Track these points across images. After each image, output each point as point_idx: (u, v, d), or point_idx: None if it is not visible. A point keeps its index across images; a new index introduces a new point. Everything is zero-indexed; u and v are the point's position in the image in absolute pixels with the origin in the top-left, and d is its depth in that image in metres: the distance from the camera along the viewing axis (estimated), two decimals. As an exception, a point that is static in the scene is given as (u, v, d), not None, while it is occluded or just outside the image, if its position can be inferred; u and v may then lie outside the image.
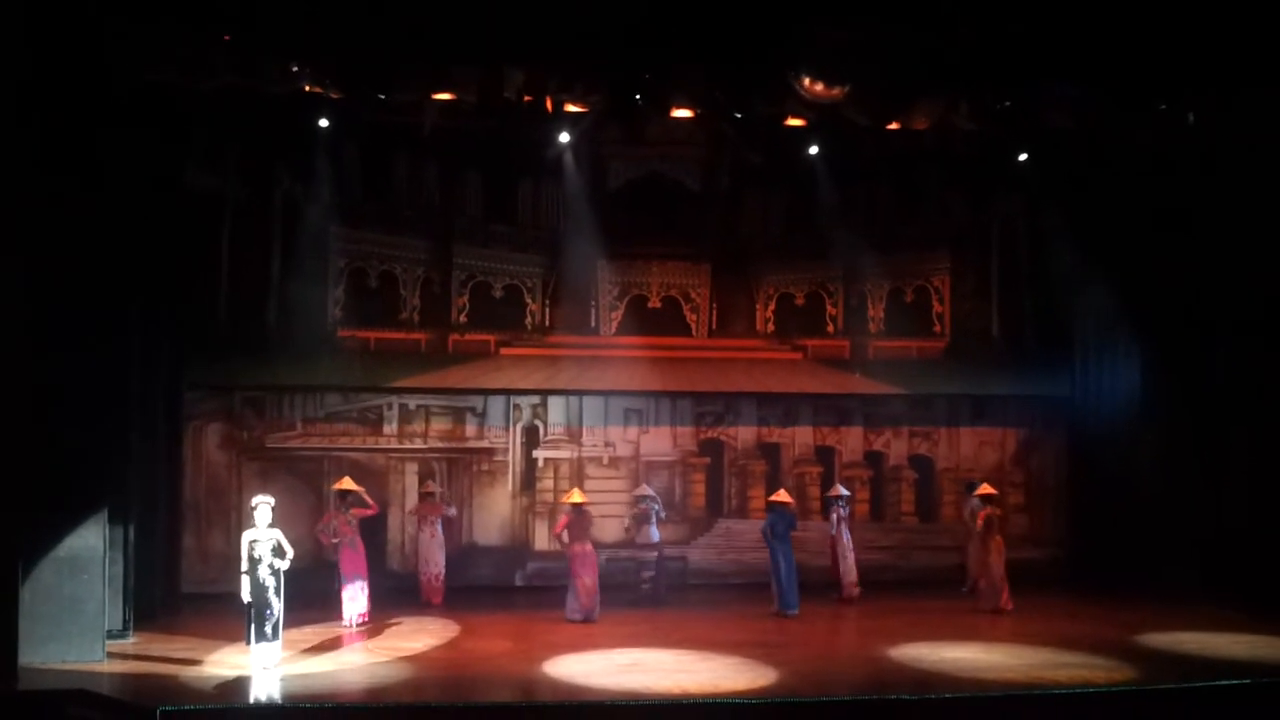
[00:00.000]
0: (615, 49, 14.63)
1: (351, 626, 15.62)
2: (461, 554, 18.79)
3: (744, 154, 18.48)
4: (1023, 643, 14.56)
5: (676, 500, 19.74)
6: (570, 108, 15.87)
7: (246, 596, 12.96)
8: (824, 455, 20.30)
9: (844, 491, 18.32)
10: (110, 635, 13.71)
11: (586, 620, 15.93)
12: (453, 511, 18.22)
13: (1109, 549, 18.95)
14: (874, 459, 20.44)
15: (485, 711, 11.99)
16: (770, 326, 20.11)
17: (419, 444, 19.27)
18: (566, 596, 16.21)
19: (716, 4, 14.28)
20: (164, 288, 16.14)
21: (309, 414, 18.96)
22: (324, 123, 16.96)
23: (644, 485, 18.63)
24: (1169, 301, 18.52)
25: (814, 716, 11.71)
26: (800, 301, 20.17)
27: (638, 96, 15.12)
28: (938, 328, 20.39)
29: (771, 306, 20.11)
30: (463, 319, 19.29)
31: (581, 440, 19.69)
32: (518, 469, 19.51)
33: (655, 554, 18.02)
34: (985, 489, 17.53)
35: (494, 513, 19.42)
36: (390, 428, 19.21)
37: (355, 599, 15.80)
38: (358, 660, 13.79)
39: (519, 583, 19.19)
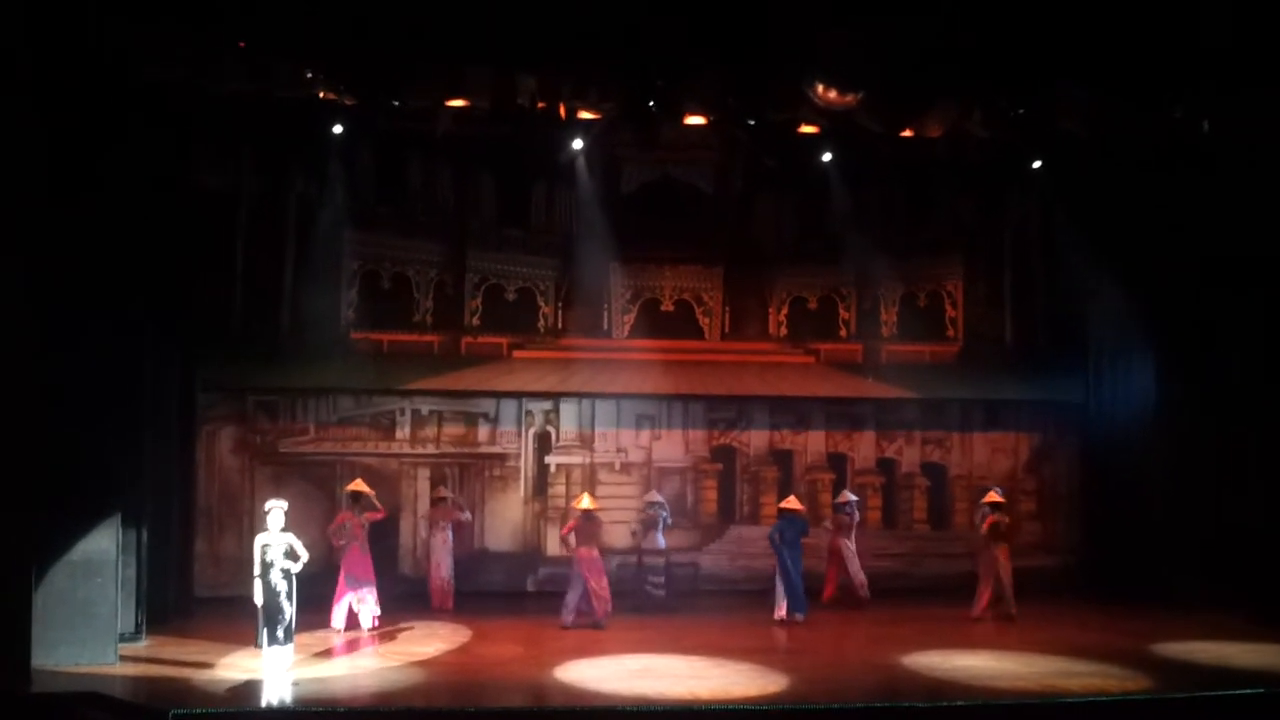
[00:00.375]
0: (628, 56, 14.65)
1: (364, 630, 15.64)
2: (473, 559, 18.81)
3: (757, 158, 18.51)
4: (1035, 651, 14.53)
5: (688, 506, 19.73)
6: (584, 114, 15.89)
7: (259, 600, 12.99)
8: (836, 462, 20.27)
9: (852, 497, 18.31)
10: (123, 638, 13.74)
11: (596, 625, 15.92)
12: (467, 516, 18.23)
13: (1121, 557, 18.87)
14: (886, 466, 20.40)
15: (496, 716, 12.00)
16: (783, 330, 20.10)
17: (431, 449, 19.28)
18: (565, 597, 16.19)
19: (730, 11, 14.29)
20: (177, 290, 16.17)
21: (322, 418, 18.98)
22: (338, 129, 17.06)
23: (653, 492, 18.63)
24: (1183, 308, 18.45)
25: (826, 724, 11.72)
26: (813, 305, 20.16)
27: (651, 103, 15.14)
28: (951, 332, 20.35)
29: (784, 310, 20.10)
30: (475, 322, 19.30)
31: (593, 446, 19.68)
32: (530, 474, 19.52)
33: (663, 560, 18.01)
34: (992, 496, 17.47)
35: (506, 518, 19.42)
36: (403, 433, 19.24)
37: (365, 602, 15.83)
38: (369, 664, 13.81)
39: (530, 588, 19.18)
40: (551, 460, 19.59)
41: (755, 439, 20.10)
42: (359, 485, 16.67)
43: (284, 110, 15.61)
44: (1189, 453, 18.57)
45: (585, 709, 11.96)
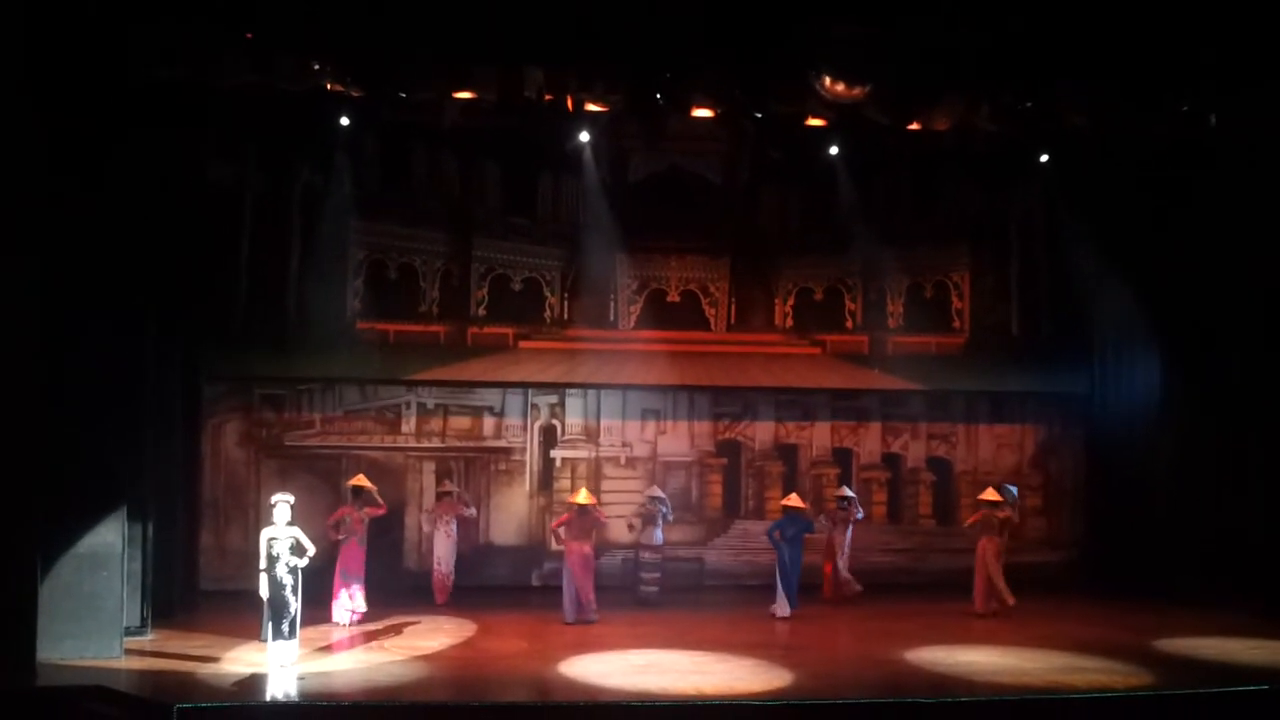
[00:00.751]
0: (635, 48, 14.62)
1: (345, 626, 15.63)
2: (478, 553, 18.83)
3: (764, 149, 18.51)
4: (1039, 646, 14.53)
5: (693, 501, 19.73)
6: (591, 106, 15.88)
7: (265, 594, 13.01)
8: (841, 457, 20.26)
9: (849, 493, 18.29)
10: (128, 632, 13.78)
11: (578, 621, 15.91)
12: (471, 511, 18.24)
13: (1126, 552, 18.86)
14: (892, 461, 20.40)
15: (500, 711, 12.03)
16: (789, 321, 20.07)
17: (437, 443, 19.29)
18: (563, 595, 16.22)
19: (737, 3, 14.27)
20: (181, 282, 16.15)
21: (327, 412, 18.99)
22: (345, 121, 17.06)
23: (654, 486, 18.60)
24: (1188, 302, 18.42)
25: (830, 719, 11.70)
26: (819, 296, 20.12)
27: (658, 96, 15.13)
28: (957, 324, 20.32)
29: (790, 301, 20.07)
30: (482, 312, 19.30)
31: (599, 440, 19.69)
32: (535, 469, 19.52)
33: (659, 556, 18.01)
34: (987, 494, 17.44)
35: (511, 512, 19.42)
36: (408, 426, 19.24)
37: (354, 597, 15.84)
38: (374, 659, 13.82)
39: (535, 582, 19.18)
40: (557, 454, 19.59)
41: (760, 433, 20.09)
42: (361, 480, 16.68)
43: (289, 102, 15.56)
44: (1193, 447, 18.55)
45: (589, 704, 11.97)
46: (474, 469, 19.34)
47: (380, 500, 16.63)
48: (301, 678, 12.62)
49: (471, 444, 19.39)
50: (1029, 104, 15.39)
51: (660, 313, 19.72)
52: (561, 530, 16.41)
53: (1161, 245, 18.47)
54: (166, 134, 15.08)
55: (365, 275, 18.90)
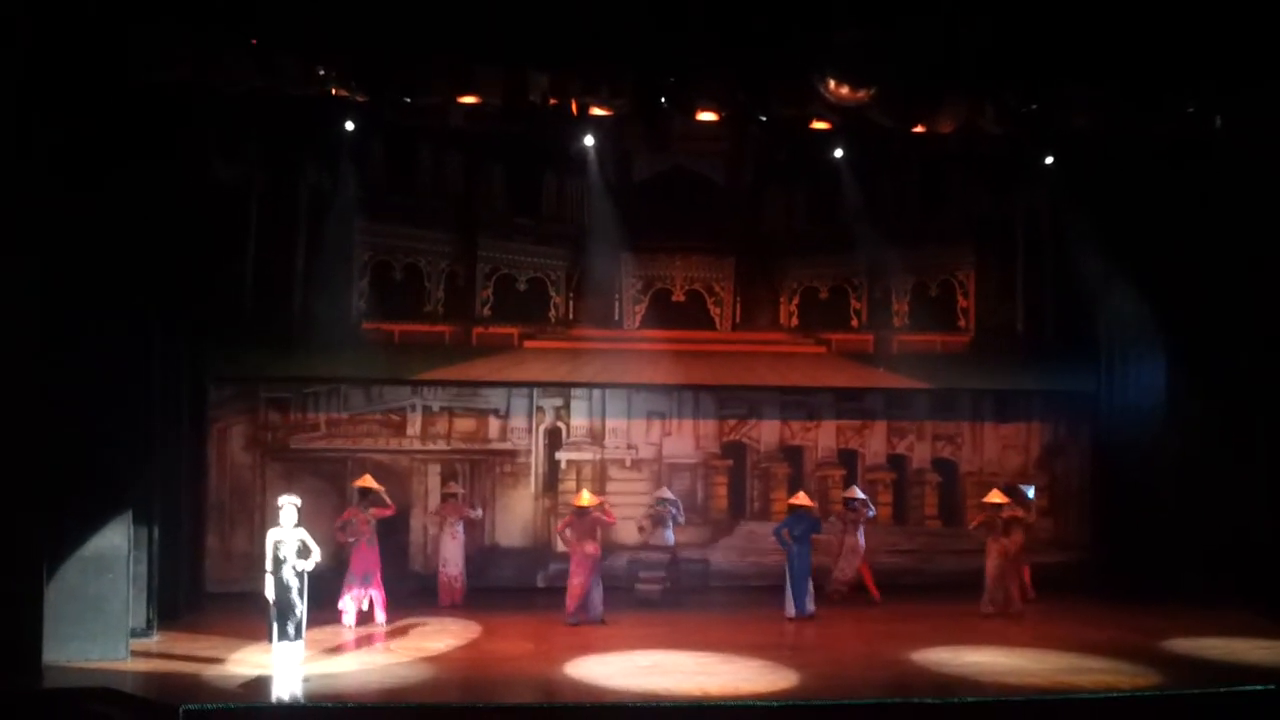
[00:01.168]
0: (639, 52, 14.65)
1: (348, 625, 15.68)
2: (483, 555, 18.83)
3: (769, 149, 18.53)
4: (1045, 647, 14.53)
5: (699, 503, 19.72)
6: (595, 111, 15.89)
7: (271, 595, 13.03)
8: (847, 458, 20.25)
9: (859, 494, 18.29)
10: (134, 634, 13.78)
11: (580, 623, 15.91)
12: (478, 514, 18.26)
13: (1132, 553, 18.82)
14: (897, 462, 20.37)
15: (506, 712, 12.05)
16: (794, 321, 20.06)
17: (442, 445, 19.29)
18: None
19: (741, 6, 14.29)
20: (187, 284, 16.19)
21: (333, 415, 19.01)
22: (349, 126, 17.10)
23: (664, 489, 18.61)
24: (1195, 300, 18.36)
25: (835, 720, 11.72)
26: (824, 295, 20.10)
27: (662, 99, 15.15)
28: (962, 322, 20.29)
29: (795, 300, 20.07)
30: (487, 312, 19.30)
31: (604, 442, 19.68)
32: (540, 471, 19.52)
33: (667, 557, 18.01)
34: (990, 497, 17.44)
35: (516, 514, 19.43)
36: (414, 429, 19.24)
37: (364, 603, 15.86)
38: (379, 660, 13.84)
39: (540, 584, 19.17)
40: (562, 456, 19.59)
41: (766, 435, 20.08)
42: (367, 481, 16.70)
43: (294, 104, 15.62)
44: (1200, 446, 18.48)
45: (595, 705, 11.99)
46: (479, 471, 19.34)
47: (388, 500, 16.65)
48: (307, 679, 12.64)
49: (476, 446, 19.39)
50: (1033, 105, 15.40)
51: (665, 312, 19.72)
52: (568, 532, 16.42)
53: (1168, 245, 18.40)
54: (170, 135, 15.10)
55: (370, 276, 18.92)
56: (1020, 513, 17.49)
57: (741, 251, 19.89)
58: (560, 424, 19.61)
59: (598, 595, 16.18)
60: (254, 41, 13.93)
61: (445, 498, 18.15)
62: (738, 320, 19.96)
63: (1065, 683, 12.65)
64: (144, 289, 14.08)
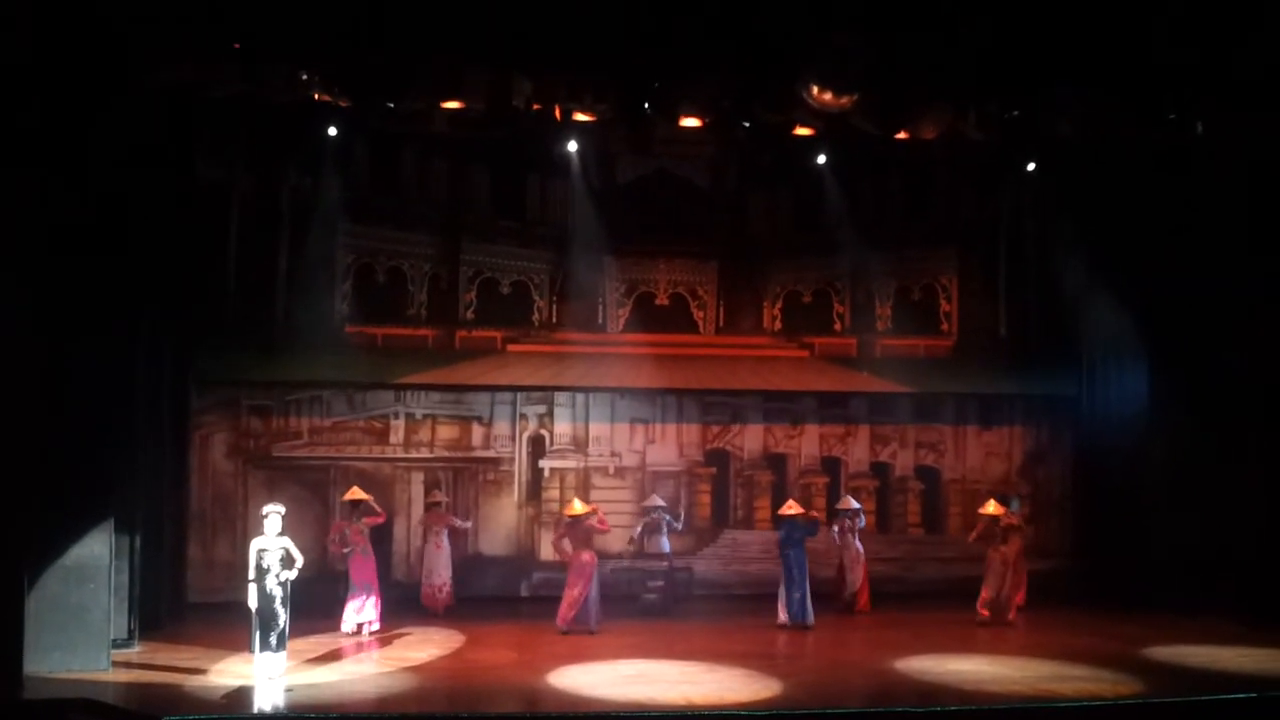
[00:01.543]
0: (624, 58, 14.67)
1: (364, 634, 15.70)
2: (467, 564, 18.76)
3: (753, 153, 18.56)
4: (1028, 655, 14.55)
5: (683, 511, 19.67)
6: (579, 116, 15.89)
7: (253, 604, 12.95)
8: (830, 466, 20.27)
9: (854, 504, 18.28)
10: (115, 644, 13.68)
11: (572, 631, 15.88)
12: (467, 524, 18.24)
13: (1114, 561, 18.87)
14: (880, 470, 20.41)
15: (490, 722, 12.00)
16: (777, 324, 20.09)
17: (425, 453, 19.26)
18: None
19: (725, 13, 14.30)
20: (170, 288, 16.14)
21: (315, 422, 18.96)
22: (333, 131, 17.07)
23: (654, 496, 18.59)
24: (1178, 306, 18.42)
25: (819, 729, 11.71)
26: (808, 299, 20.13)
27: (646, 105, 15.16)
28: (945, 326, 20.35)
29: (779, 304, 20.10)
30: (470, 315, 19.29)
31: (588, 450, 19.67)
32: (523, 479, 19.50)
33: (665, 564, 18.00)
34: (988, 507, 17.47)
35: (500, 523, 19.39)
36: (396, 436, 19.21)
37: (363, 609, 15.85)
38: (363, 670, 13.79)
39: (524, 593, 19.16)
40: (545, 464, 19.57)
41: (749, 443, 20.09)
42: (356, 494, 16.66)
43: (278, 108, 15.59)
44: (1182, 453, 18.54)
45: (579, 714, 11.94)
46: (462, 479, 19.30)
47: (378, 508, 16.69)
48: (289, 690, 12.58)
49: (460, 454, 19.36)
50: (1015, 112, 15.45)
51: (649, 316, 19.73)
52: (565, 542, 16.36)
53: (1150, 250, 18.48)
54: (156, 136, 15.03)
55: (353, 279, 18.90)
56: (1017, 519, 17.54)
57: (725, 255, 19.93)
58: (544, 431, 19.58)
59: (595, 604, 16.15)
60: (236, 46, 13.89)
61: (429, 507, 18.11)
62: (721, 324, 19.98)
63: (1048, 690, 12.65)
64: (127, 294, 13.99)
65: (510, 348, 19.35)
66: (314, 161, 18.08)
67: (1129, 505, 18.89)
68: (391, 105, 15.03)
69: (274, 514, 13.21)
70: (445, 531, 17.57)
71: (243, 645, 13.70)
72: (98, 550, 13.29)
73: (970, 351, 20.28)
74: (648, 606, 17.69)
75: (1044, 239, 19.76)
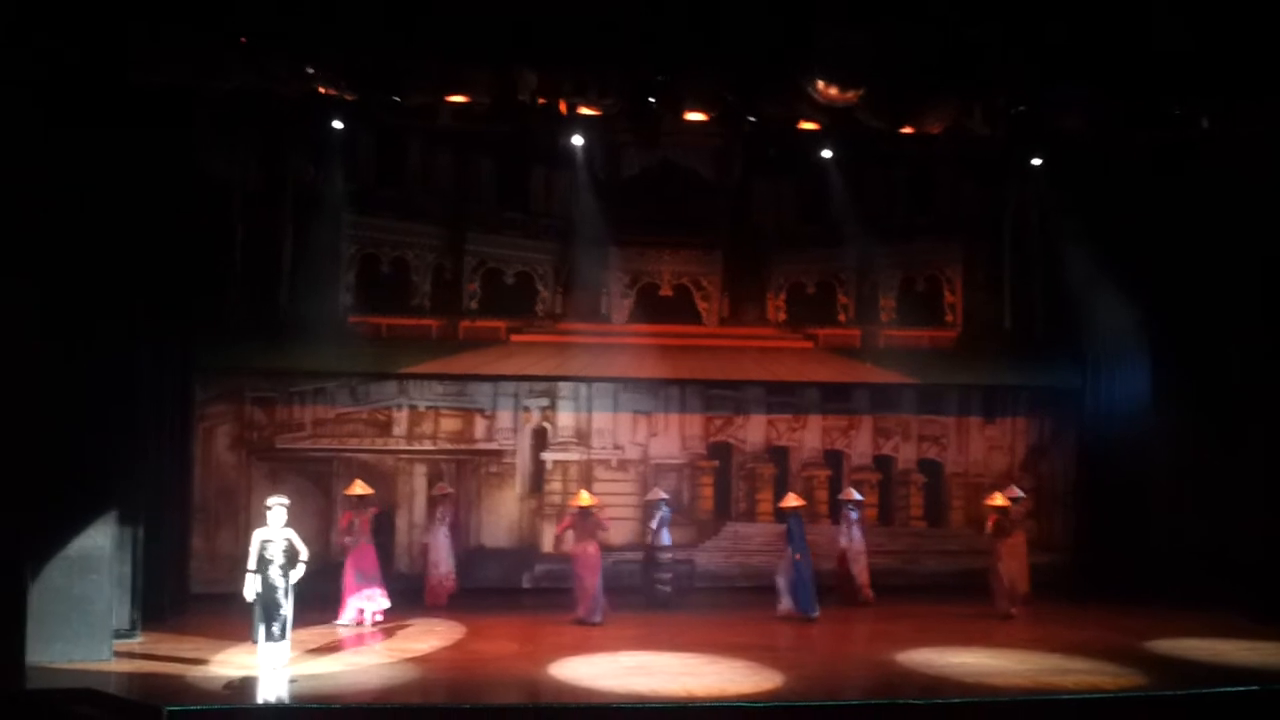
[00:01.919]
0: (629, 52, 14.63)
1: (366, 622, 15.75)
2: (469, 556, 18.81)
3: (757, 145, 18.53)
4: (1030, 648, 14.54)
5: (685, 503, 19.72)
6: (584, 110, 15.87)
7: (250, 595, 12.95)
8: (833, 459, 20.26)
9: (856, 496, 18.29)
10: (118, 635, 13.75)
11: (586, 622, 15.92)
12: (449, 491, 18.17)
13: (1117, 554, 18.87)
14: (883, 463, 20.41)
15: (492, 713, 12.01)
16: (781, 316, 20.08)
17: (428, 445, 19.28)
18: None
19: (730, 7, 14.28)
20: (174, 280, 16.18)
21: (319, 415, 18.98)
22: (338, 124, 17.07)
23: (656, 489, 18.59)
24: (1182, 300, 18.42)
25: (821, 721, 11.72)
26: (811, 290, 20.13)
27: (651, 99, 15.14)
28: (949, 318, 20.34)
29: (783, 295, 20.09)
30: (474, 305, 19.29)
31: (590, 442, 19.68)
32: (526, 471, 19.51)
33: (670, 556, 18.01)
34: (995, 498, 17.50)
35: (502, 515, 19.42)
36: (399, 428, 19.22)
37: (374, 598, 15.91)
38: (365, 661, 13.81)
39: (526, 585, 19.19)
40: (548, 457, 19.58)
41: (752, 436, 20.09)
42: (361, 487, 16.69)
43: (283, 101, 15.58)
44: (1185, 447, 18.55)
45: (580, 706, 11.97)
46: (465, 471, 19.32)
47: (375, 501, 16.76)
48: (292, 680, 12.60)
49: (463, 446, 19.37)
50: (1021, 107, 15.42)
51: (652, 307, 19.73)
52: (570, 534, 16.39)
53: (1155, 244, 18.47)
54: (158, 131, 15.04)
55: (358, 269, 18.92)
56: (1026, 505, 17.56)
57: (729, 246, 19.92)
58: (546, 424, 19.59)
59: (602, 596, 16.18)
60: (242, 40, 13.88)
61: (435, 499, 18.12)
62: (725, 315, 19.98)
63: (1049, 683, 12.66)
64: (131, 286, 14.03)
65: (514, 338, 19.34)
66: (319, 153, 18.09)
67: (1132, 498, 18.90)
68: (397, 100, 15.03)
69: (279, 506, 13.25)
70: (448, 523, 17.60)
71: (245, 636, 13.77)
72: (100, 541, 13.35)
73: (974, 344, 20.27)
74: (662, 598, 17.68)
75: (1049, 232, 19.75)
